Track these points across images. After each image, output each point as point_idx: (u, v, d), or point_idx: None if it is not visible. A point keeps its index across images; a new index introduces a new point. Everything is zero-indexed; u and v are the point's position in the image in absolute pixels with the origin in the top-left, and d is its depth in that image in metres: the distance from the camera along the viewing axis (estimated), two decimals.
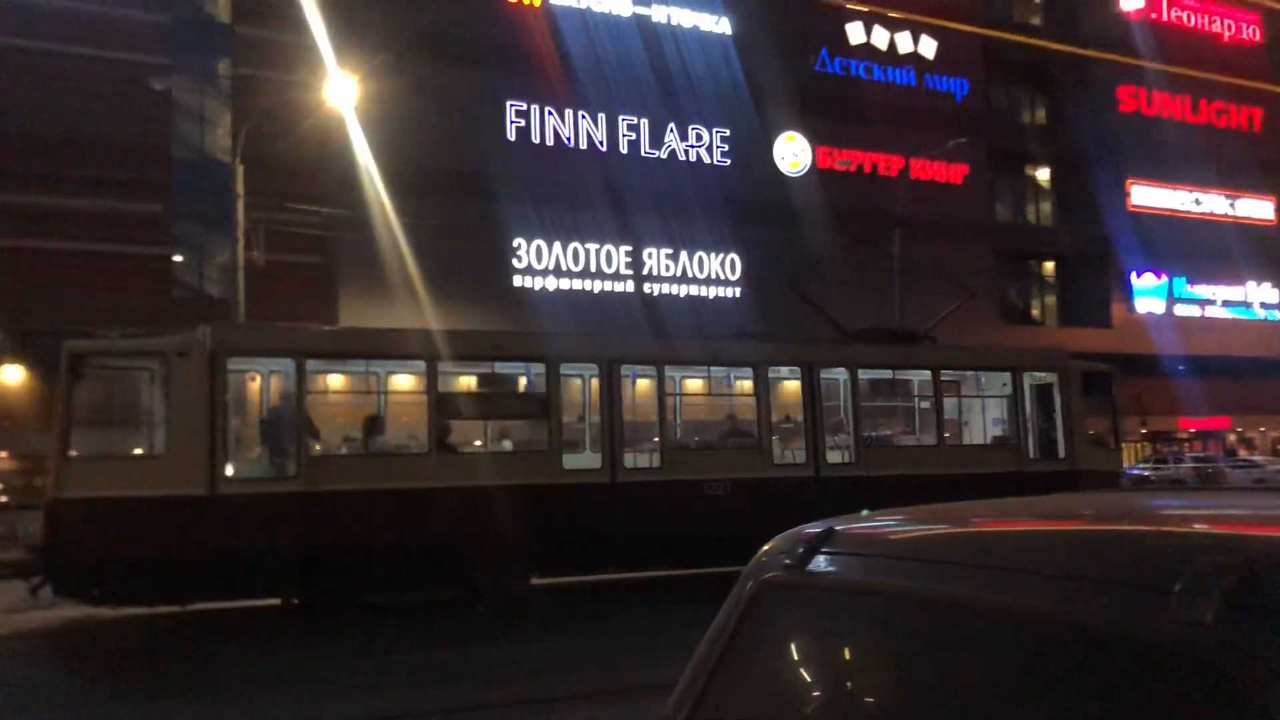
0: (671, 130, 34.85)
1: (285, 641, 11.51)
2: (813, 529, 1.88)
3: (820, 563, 1.80)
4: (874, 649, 1.74)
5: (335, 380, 14.07)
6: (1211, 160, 43.17)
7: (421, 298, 27.12)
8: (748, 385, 15.07)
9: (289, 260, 26.12)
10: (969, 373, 17.09)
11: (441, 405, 13.06)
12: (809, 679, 1.84)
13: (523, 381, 14.55)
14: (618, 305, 32.35)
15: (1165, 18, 45.18)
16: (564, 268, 32.82)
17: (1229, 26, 46.74)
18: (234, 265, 22.01)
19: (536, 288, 32.27)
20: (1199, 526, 1.76)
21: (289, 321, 22.36)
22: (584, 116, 33.71)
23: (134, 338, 12.90)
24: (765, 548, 1.95)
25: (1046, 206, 43.93)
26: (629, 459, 14.00)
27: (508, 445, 14.50)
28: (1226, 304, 44.30)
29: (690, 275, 34.52)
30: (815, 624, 1.84)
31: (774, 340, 16.36)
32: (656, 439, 14.27)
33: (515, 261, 32.18)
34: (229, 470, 11.80)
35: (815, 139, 36.59)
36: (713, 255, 34.67)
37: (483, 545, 12.72)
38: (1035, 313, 43.15)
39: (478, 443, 14.24)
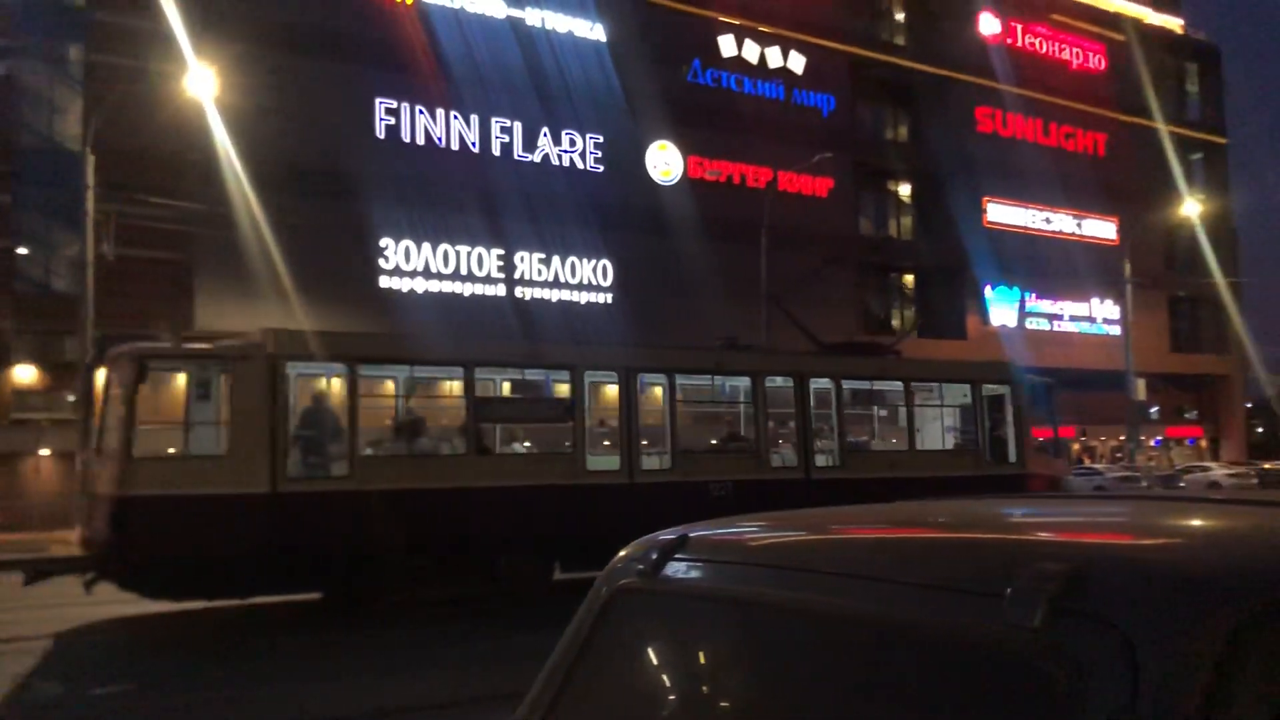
0: (545, 134, 34.76)
1: (327, 632, 12.00)
2: (666, 535, 1.89)
3: (674, 569, 1.80)
4: (727, 654, 1.75)
5: (384, 385, 14.74)
6: (1060, 181, 45.36)
7: (285, 298, 26.40)
8: (746, 393, 16.11)
9: (143, 256, 25.10)
10: (934, 384, 18.38)
11: (478, 409, 13.73)
12: (662, 685, 1.84)
13: (550, 387, 15.25)
14: (489, 309, 32.08)
15: (1020, 44, 47.28)
16: (433, 270, 32.38)
17: (1076, 55, 49.21)
18: (83, 260, 21.01)
19: (405, 289, 31.75)
20: (1034, 534, 1.83)
21: (140, 319, 21.45)
22: (456, 117, 33.35)
23: (192, 341, 13.39)
24: (620, 554, 1.95)
25: (908, 221, 45.39)
26: (644, 461, 14.84)
27: (518, 448, 15.05)
28: (1073, 319, 46.57)
29: (562, 280, 34.47)
30: (669, 630, 1.84)
31: (770, 352, 17.55)
32: (668, 442, 15.10)
33: (383, 262, 31.60)
34: (288, 469, 12.25)
35: (687, 148, 37.02)
36: (585, 261, 34.70)
37: (513, 541, 13.37)
38: (895, 323, 44.52)
39: (510, 445, 14.92)
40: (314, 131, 30.00)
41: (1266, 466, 46.39)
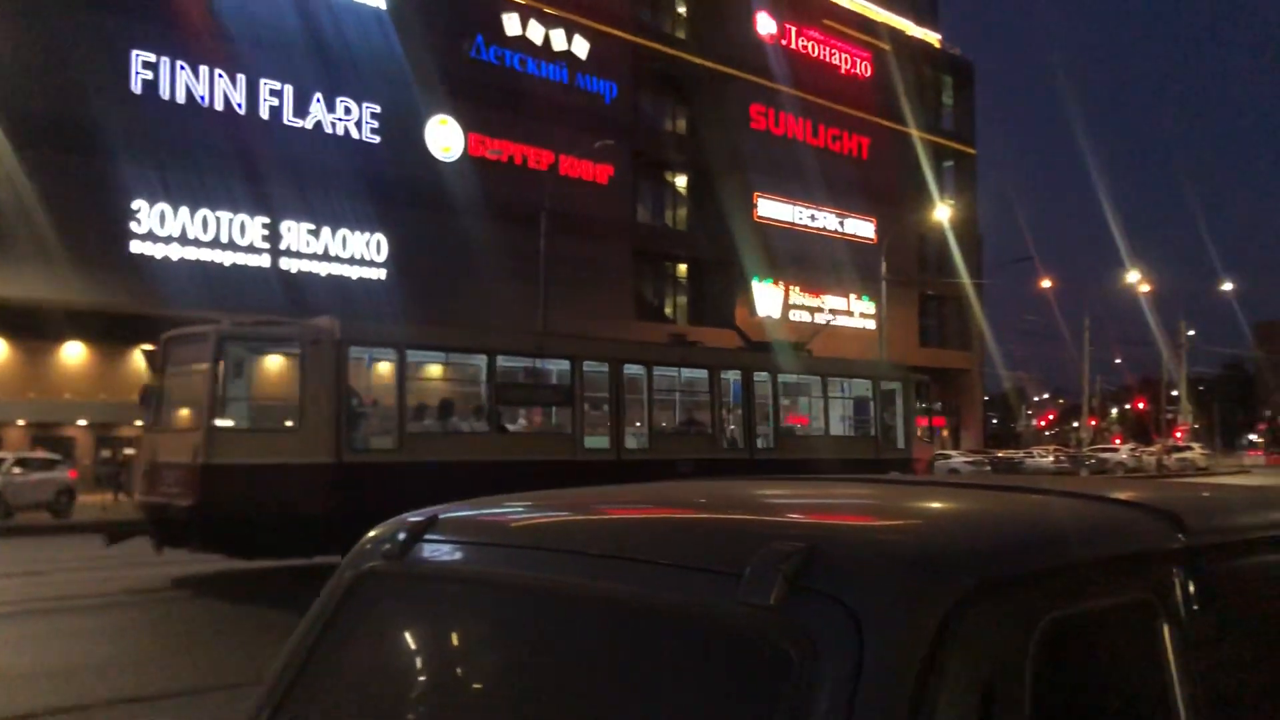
0: (318, 100, 33.47)
1: None
2: (416, 516, 1.83)
3: (423, 551, 1.75)
4: (477, 638, 1.72)
5: (425, 369, 16.57)
6: (826, 181, 47.62)
7: (28, 257, 24.34)
8: (703, 384, 18.89)
9: None
10: (844, 379, 21.73)
11: (499, 392, 15.82)
12: (409, 670, 1.78)
13: (555, 375, 17.09)
14: (252, 280, 30.62)
15: (794, 46, 49.24)
16: (191, 236, 30.59)
17: (845, 61, 51.77)
18: None
19: (159, 256, 29.85)
20: (780, 514, 1.89)
21: None
22: (221, 76, 31.60)
23: (275, 325, 15.30)
24: (369, 534, 1.88)
25: (683, 212, 46.58)
26: (628, 441, 17.19)
27: (524, 427, 17.26)
28: (833, 312, 49.00)
29: (332, 253, 33.34)
30: (417, 614, 1.79)
31: (723, 349, 21.56)
32: (646, 425, 17.71)
33: (135, 225, 29.57)
34: (351, 442, 13.86)
35: (468, 125, 36.53)
36: (358, 234, 33.68)
37: None
38: (668, 310, 45.56)
39: (517, 423, 16.99)
40: (63, 81, 27.75)
41: (999, 454, 50.52)
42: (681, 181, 46.35)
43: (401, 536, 1.76)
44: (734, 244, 43.49)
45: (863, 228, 50.81)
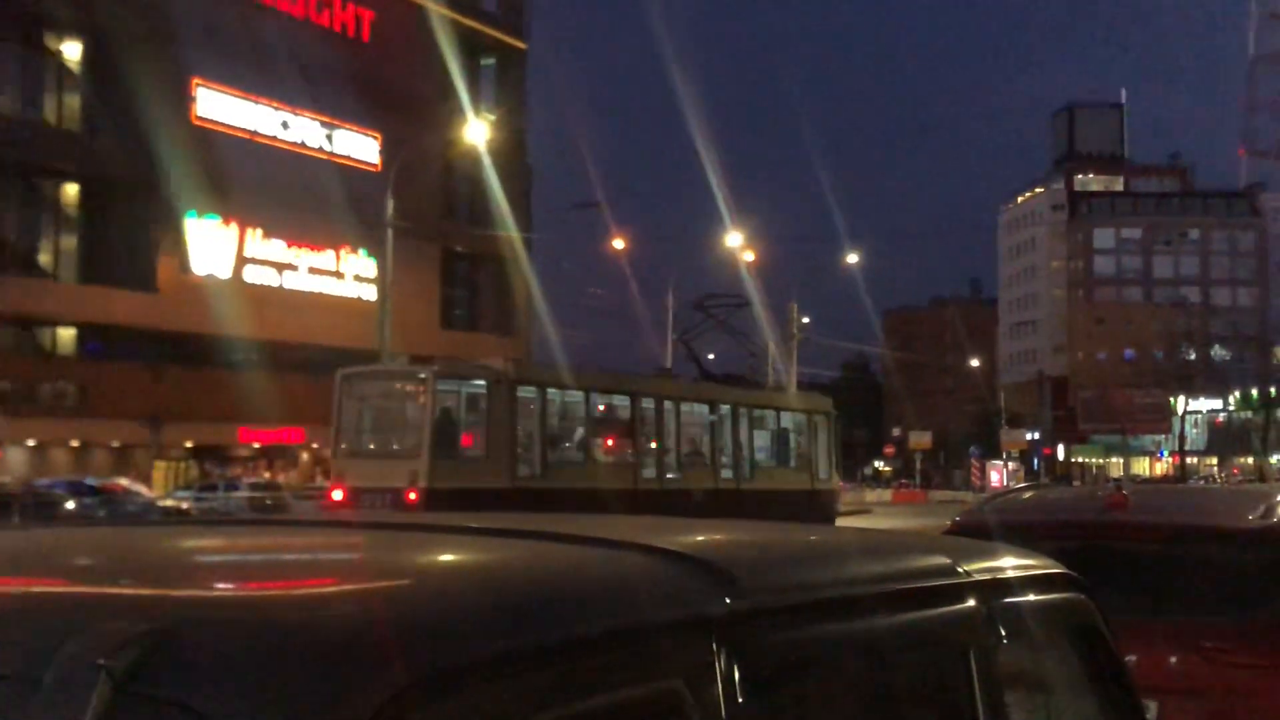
0: None
1: None
2: None
3: None
4: None
5: (555, 405, 27.23)
6: (306, 71, 47.43)
7: None
8: (708, 416, 31.10)
9: None
10: (790, 413, 34.84)
11: (592, 426, 27.77)
12: None
13: (625, 410, 28.86)
14: None
15: None
16: None
17: None
18: None
19: None
20: (138, 584, 1.80)
21: None
22: None
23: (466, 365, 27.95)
24: None
25: (73, 101, 45.01)
26: (667, 472, 28.88)
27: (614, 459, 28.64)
28: (313, 272, 48.94)
29: None
30: None
31: (718, 385, 33.78)
32: (675, 457, 29.55)
33: None
34: (518, 470, 24.64)
35: None
36: None
37: None
38: (44, 259, 43.54)
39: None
40: None
41: None
42: (72, 51, 44.91)
43: None
44: (157, 159, 42.31)
45: (361, 146, 51.38)
